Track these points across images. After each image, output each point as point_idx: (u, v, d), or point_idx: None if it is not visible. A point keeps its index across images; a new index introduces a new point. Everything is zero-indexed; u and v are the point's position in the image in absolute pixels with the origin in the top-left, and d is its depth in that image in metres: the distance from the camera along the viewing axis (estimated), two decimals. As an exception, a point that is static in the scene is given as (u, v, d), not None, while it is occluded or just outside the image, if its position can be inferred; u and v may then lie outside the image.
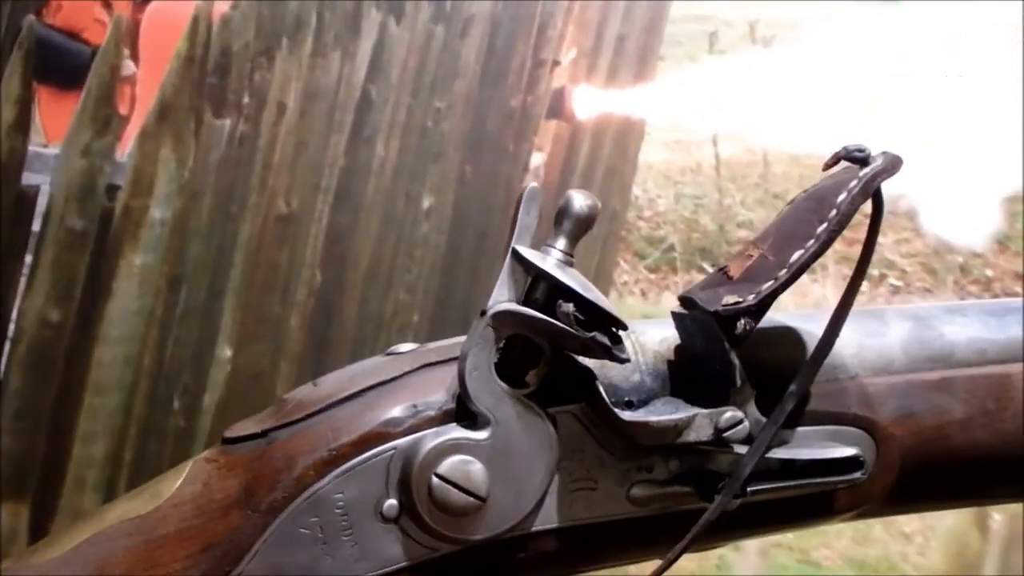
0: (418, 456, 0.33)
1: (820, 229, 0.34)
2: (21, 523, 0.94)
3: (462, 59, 1.05)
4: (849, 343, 0.37)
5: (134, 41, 0.98)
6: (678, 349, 0.36)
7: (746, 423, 0.34)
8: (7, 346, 0.94)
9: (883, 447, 0.37)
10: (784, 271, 0.34)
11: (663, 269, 1.06)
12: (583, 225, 0.34)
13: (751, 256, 0.35)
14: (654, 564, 0.36)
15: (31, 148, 0.94)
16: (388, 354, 0.37)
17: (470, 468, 0.33)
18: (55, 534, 0.35)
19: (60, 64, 0.96)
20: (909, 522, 0.98)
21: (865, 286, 0.36)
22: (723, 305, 0.34)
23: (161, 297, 0.97)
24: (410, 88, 1.04)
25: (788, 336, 0.37)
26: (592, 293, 0.33)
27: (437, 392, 0.34)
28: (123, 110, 0.97)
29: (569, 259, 0.34)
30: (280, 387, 1.01)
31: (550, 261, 0.34)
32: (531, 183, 0.35)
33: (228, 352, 1.00)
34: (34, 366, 0.94)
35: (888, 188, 0.35)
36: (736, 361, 0.34)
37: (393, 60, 1.03)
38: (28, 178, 0.95)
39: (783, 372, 0.35)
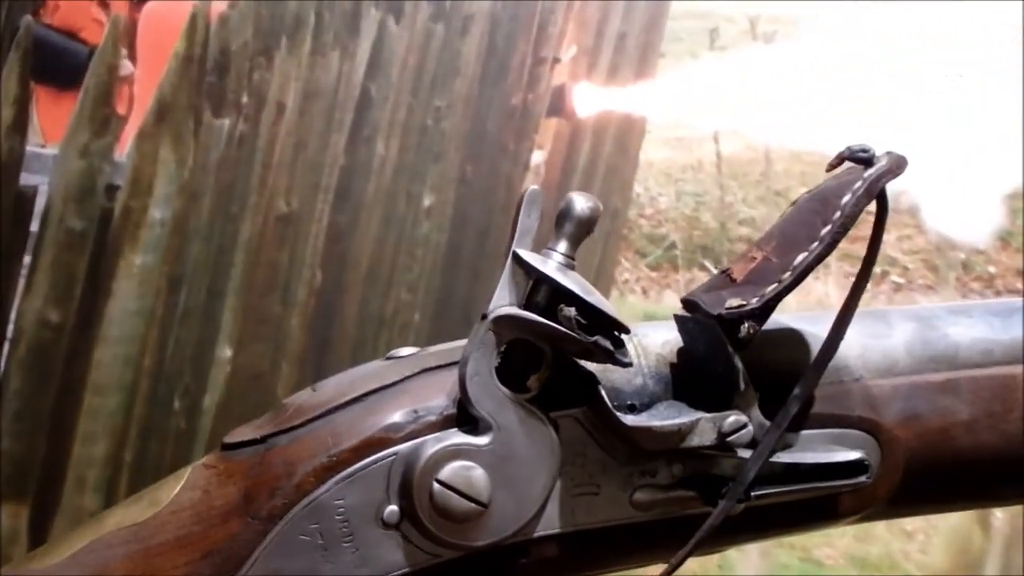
0: (419, 462, 0.33)
1: (824, 231, 0.33)
2: (21, 523, 0.94)
3: (462, 57, 1.04)
4: (853, 345, 0.37)
5: (132, 41, 0.98)
6: (681, 352, 0.36)
7: (750, 427, 0.34)
8: (6, 347, 0.93)
9: (887, 450, 0.37)
10: (788, 274, 0.33)
11: (664, 267, 1.06)
12: (584, 228, 0.34)
13: (754, 258, 0.35)
14: (657, 568, 0.36)
15: (29, 148, 0.94)
16: (388, 358, 0.37)
17: (471, 474, 0.33)
18: (54, 541, 0.35)
19: (58, 64, 0.96)
20: (911, 520, 0.97)
21: (860, 268, 0.36)
22: (726, 308, 0.33)
23: (161, 297, 0.97)
24: (410, 87, 1.03)
25: (792, 338, 0.37)
26: (594, 296, 0.33)
27: (438, 397, 0.34)
28: (121, 110, 0.97)
29: (570, 262, 0.34)
30: (281, 387, 1.01)
31: (551, 264, 0.34)
32: (532, 186, 0.34)
33: (228, 352, 0.99)
34: (34, 367, 0.94)
35: (890, 185, 0.34)
36: (740, 365, 0.33)
37: (393, 59, 1.03)
38: (26, 179, 0.94)
39: (787, 375, 0.35)
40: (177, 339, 0.98)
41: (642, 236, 1.06)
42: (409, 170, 1.03)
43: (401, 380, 0.35)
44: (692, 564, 0.35)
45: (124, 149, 0.97)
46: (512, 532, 0.34)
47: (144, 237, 0.97)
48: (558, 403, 0.34)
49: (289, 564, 0.33)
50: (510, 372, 0.34)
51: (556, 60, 1.06)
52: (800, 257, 0.33)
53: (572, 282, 0.33)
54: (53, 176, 0.95)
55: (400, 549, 0.33)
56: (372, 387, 0.35)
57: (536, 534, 0.34)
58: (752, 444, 0.34)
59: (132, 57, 0.98)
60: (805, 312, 0.38)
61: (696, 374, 0.35)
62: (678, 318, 0.36)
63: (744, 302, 0.33)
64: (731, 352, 0.33)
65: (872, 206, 0.34)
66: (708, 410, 0.34)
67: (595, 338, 0.33)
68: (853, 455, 0.36)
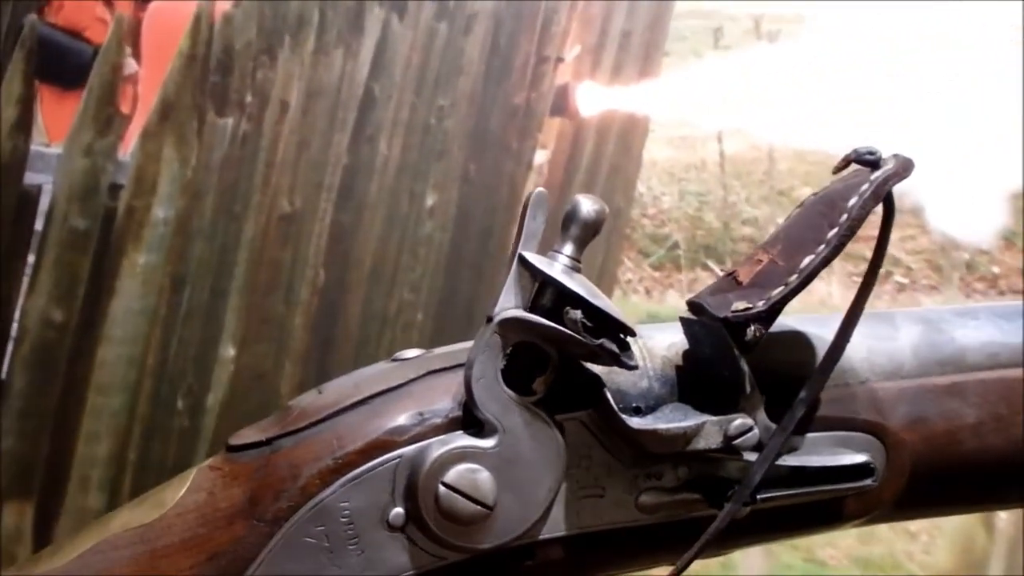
0: (424, 464, 0.33)
1: (831, 234, 0.33)
2: (25, 522, 0.94)
3: (465, 56, 1.04)
4: (859, 347, 0.37)
5: (136, 40, 0.98)
6: (686, 354, 0.36)
7: (756, 430, 0.34)
8: (10, 346, 0.94)
9: (893, 453, 0.37)
10: (794, 277, 0.33)
11: (667, 267, 1.06)
12: (590, 230, 0.34)
13: (760, 261, 0.35)
14: (663, 570, 0.35)
15: (33, 148, 0.94)
16: (393, 360, 0.37)
17: (477, 476, 0.33)
18: (59, 542, 0.35)
19: (62, 63, 0.96)
20: (915, 521, 0.97)
21: (866, 271, 0.36)
22: (733, 311, 0.33)
23: (164, 297, 0.97)
24: (413, 86, 1.03)
25: (797, 341, 0.37)
26: (600, 299, 0.33)
27: (443, 399, 0.34)
28: (125, 109, 0.97)
29: (576, 265, 0.34)
30: (284, 386, 1.01)
31: (557, 267, 0.33)
32: (538, 188, 0.34)
33: (231, 351, 0.99)
34: (37, 366, 0.94)
35: (895, 186, 0.34)
36: (746, 368, 0.33)
37: (396, 58, 1.03)
38: (30, 178, 0.94)
39: (793, 377, 0.35)
40: (180, 338, 0.98)
41: (645, 236, 1.06)
42: (412, 169, 1.03)
43: (406, 383, 0.35)
44: (695, 564, 0.35)
45: (128, 148, 0.97)
46: (517, 535, 0.34)
47: (147, 236, 0.97)
48: (563, 406, 0.34)
49: (295, 566, 0.33)
50: (516, 375, 0.34)
51: (560, 59, 1.06)
52: (806, 260, 0.33)
53: (578, 285, 0.33)
54: (57, 175, 0.95)
55: (405, 551, 0.33)
56: (377, 389, 0.35)
57: (541, 536, 0.34)
58: (758, 447, 0.34)
59: (136, 56, 0.98)
60: (810, 314, 0.38)
61: (702, 377, 0.35)
62: (684, 320, 0.36)
63: (750, 305, 0.33)
64: (737, 355, 0.33)
65: (879, 209, 0.34)
66: (714, 413, 0.34)
67: (601, 341, 0.33)
68: (859, 458, 0.36)
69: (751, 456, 0.34)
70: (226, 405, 0.99)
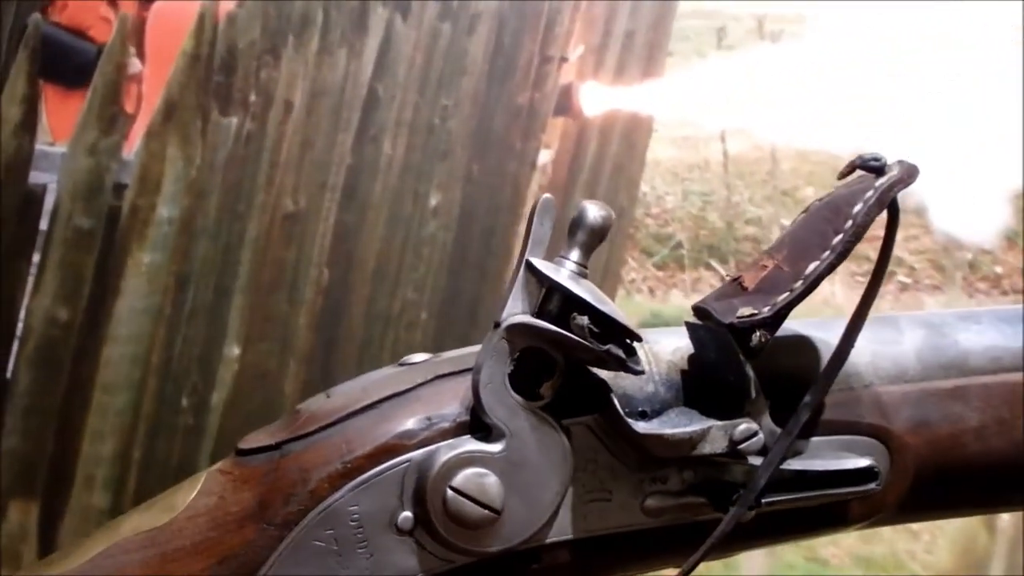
0: (433, 469, 0.33)
1: (836, 240, 0.34)
2: (30, 521, 0.95)
3: (469, 56, 1.04)
4: (863, 351, 0.37)
5: (140, 39, 0.98)
6: (692, 359, 0.36)
7: (761, 435, 0.34)
8: (15, 345, 0.94)
9: (897, 456, 0.37)
10: (800, 283, 0.33)
11: (671, 267, 1.06)
12: (597, 236, 0.34)
13: (766, 266, 0.35)
14: (668, 573, 0.36)
15: (38, 147, 0.95)
16: (401, 364, 0.37)
17: (485, 480, 0.33)
18: (70, 546, 0.35)
19: (66, 62, 0.96)
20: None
21: (871, 277, 0.36)
22: (738, 317, 0.33)
23: (169, 296, 0.97)
24: (417, 86, 1.03)
25: (802, 345, 0.37)
26: (606, 305, 0.33)
27: (451, 404, 0.34)
28: (129, 108, 0.97)
29: (583, 270, 0.34)
30: (288, 385, 1.01)
31: (564, 273, 0.34)
32: (545, 194, 0.35)
33: (236, 350, 1.00)
34: (42, 365, 0.95)
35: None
36: (751, 373, 0.34)
37: (400, 58, 1.03)
38: (35, 177, 0.95)
39: (797, 382, 0.35)
40: (185, 337, 0.98)
41: (648, 235, 1.06)
42: (416, 169, 1.04)
43: (414, 387, 0.35)
44: (699, 565, 0.35)
45: (132, 147, 0.97)
46: (525, 538, 0.34)
47: (152, 235, 0.97)
48: (570, 410, 0.34)
49: (304, 570, 0.33)
50: (523, 380, 0.34)
51: (563, 59, 1.06)
52: (812, 266, 0.34)
53: (585, 291, 0.33)
54: (61, 174, 0.95)
55: (414, 555, 0.33)
56: (386, 394, 0.35)
57: (548, 540, 0.34)
58: (763, 451, 0.34)
59: (140, 56, 0.98)
60: (813, 313, 0.38)
61: (707, 381, 0.35)
62: (689, 325, 0.36)
63: (756, 311, 0.33)
64: (743, 360, 0.34)
65: (883, 215, 0.34)
66: (719, 417, 0.34)
67: (607, 347, 0.33)
68: (863, 462, 0.36)
69: (756, 460, 0.34)
70: (230, 404, 1.00)
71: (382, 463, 0.33)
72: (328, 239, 1.02)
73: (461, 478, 0.33)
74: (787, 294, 0.33)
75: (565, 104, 1.07)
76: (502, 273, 1.06)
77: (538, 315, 0.34)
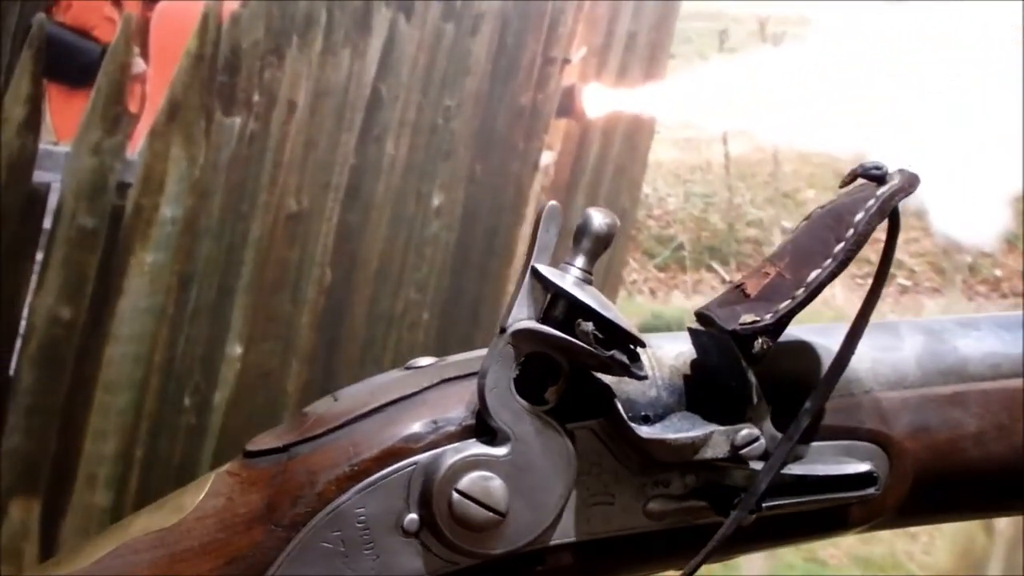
0: (439, 472, 0.34)
1: (837, 248, 0.34)
2: (32, 519, 0.95)
3: (472, 57, 1.05)
4: (864, 357, 0.37)
5: (144, 39, 0.98)
6: (694, 364, 0.37)
7: (762, 440, 0.34)
8: (18, 343, 0.94)
9: (896, 461, 0.37)
10: (801, 290, 0.34)
11: (672, 268, 1.06)
12: (602, 243, 0.34)
13: (768, 274, 0.35)
14: (670, 574, 0.36)
15: (42, 146, 0.95)
16: (407, 368, 0.38)
17: (490, 484, 0.34)
18: (79, 546, 0.36)
19: (70, 62, 0.96)
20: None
21: (871, 284, 0.36)
22: (741, 324, 0.34)
23: (171, 295, 0.98)
24: (420, 86, 1.04)
25: (803, 351, 0.37)
26: (611, 312, 0.34)
27: (457, 408, 0.35)
28: (133, 108, 0.97)
29: (588, 277, 0.34)
30: (290, 384, 1.02)
31: (569, 279, 0.34)
32: (551, 202, 0.35)
33: (238, 350, 1.00)
34: (45, 363, 0.95)
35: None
36: (753, 379, 0.34)
37: (403, 58, 1.03)
38: (39, 176, 0.95)
39: (798, 387, 0.36)
40: (187, 337, 0.99)
41: (650, 237, 1.07)
42: (419, 169, 1.04)
43: (420, 391, 0.35)
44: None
45: (136, 147, 0.97)
46: (529, 540, 0.34)
47: (155, 235, 0.98)
48: (574, 415, 0.35)
49: (311, 571, 0.33)
50: (528, 384, 0.34)
51: (566, 60, 1.06)
52: (813, 274, 0.34)
53: (590, 297, 0.34)
54: (65, 174, 0.96)
55: (419, 557, 0.34)
56: (392, 397, 0.35)
57: (552, 542, 0.35)
58: (764, 456, 0.35)
59: (144, 56, 0.98)
60: (813, 315, 0.38)
61: (709, 386, 0.36)
62: (692, 331, 0.37)
63: (758, 318, 0.34)
64: (745, 367, 0.34)
65: (884, 223, 0.35)
66: (721, 422, 0.35)
67: (612, 352, 0.33)
68: (862, 467, 0.36)
69: (757, 465, 0.35)
70: (232, 403, 1.00)
71: (389, 466, 0.34)
72: (331, 239, 1.02)
73: (467, 481, 0.34)
74: (789, 301, 0.34)
75: (568, 105, 1.07)
76: (504, 273, 1.06)
77: (543, 321, 0.34)
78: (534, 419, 0.34)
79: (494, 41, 1.05)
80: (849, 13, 1.04)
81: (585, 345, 0.33)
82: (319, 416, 0.36)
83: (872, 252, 0.36)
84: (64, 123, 0.97)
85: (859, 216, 0.34)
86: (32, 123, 0.95)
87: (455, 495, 0.33)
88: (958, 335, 0.39)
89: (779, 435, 0.35)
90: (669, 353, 0.37)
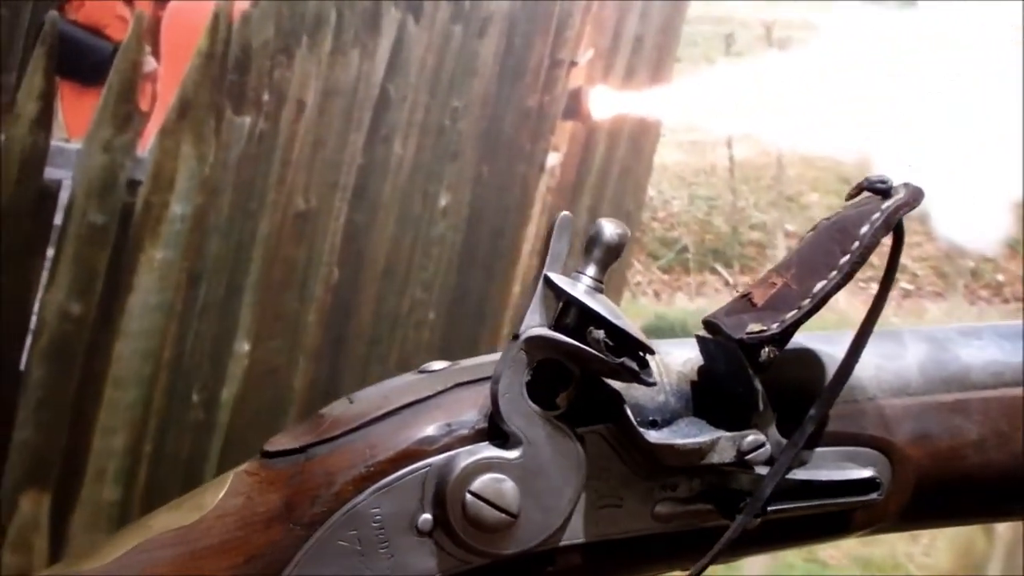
0: (452, 474, 0.34)
1: (843, 260, 0.35)
2: (42, 512, 0.96)
3: (480, 59, 1.05)
4: (867, 365, 0.38)
5: (155, 38, 0.99)
6: (701, 371, 0.37)
7: (768, 446, 0.35)
8: (29, 338, 0.95)
9: (899, 467, 0.38)
10: (807, 301, 0.35)
11: (676, 270, 1.07)
12: (613, 253, 0.35)
13: (774, 284, 0.36)
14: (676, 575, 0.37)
15: (53, 143, 0.96)
16: (420, 371, 0.38)
17: (502, 486, 0.35)
18: (101, 542, 0.37)
19: (82, 60, 0.97)
20: (917, 525, 0.99)
21: (873, 288, 0.37)
22: (748, 333, 0.35)
23: (180, 292, 0.99)
24: (428, 87, 1.04)
25: (809, 359, 0.38)
26: (621, 320, 0.34)
27: (470, 412, 0.36)
28: (144, 106, 0.98)
29: (599, 285, 0.35)
30: (297, 381, 1.03)
31: (580, 288, 0.35)
32: (563, 212, 0.36)
33: (246, 347, 1.01)
34: (55, 358, 0.96)
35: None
36: (759, 387, 0.35)
37: (411, 59, 1.04)
38: (50, 173, 0.96)
39: (803, 394, 0.37)
40: (196, 333, 0.99)
41: (654, 239, 1.08)
42: (426, 170, 1.05)
43: (434, 395, 0.36)
44: (705, 568, 0.36)
45: (146, 145, 0.98)
46: (539, 541, 0.35)
47: (164, 232, 0.98)
48: (584, 419, 0.36)
49: (328, 569, 0.34)
50: (539, 389, 0.35)
51: (573, 63, 1.07)
52: (819, 285, 0.35)
53: (601, 305, 0.35)
54: (76, 171, 0.96)
55: (433, 556, 0.35)
56: (407, 401, 0.36)
57: (562, 543, 0.36)
58: (769, 461, 0.35)
59: (155, 54, 0.99)
60: (818, 320, 0.39)
61: (716, 393, 0.37)
62: (700, 339, 0.38)
63: (765, 327, 0.35)
64: (752, 375, 0.35)
65: (889, 236, 0.36)
66: (727, 428, 0.36)
67: (622, 360, 0.34)
68: (865, 473, 0.37)
69: (763, 470, 0.36)
70: (240, 399, 1.01)
71: (404, 467, 0.35)
72: (338, 238, 1.03)
73: (479, 483, 0.34)
74: (795, 312, 0.35)
75: (574, 107, 1.08)
76: (510, 273, 1.07)
77: (555, 328, 0.35)
78: (545, 423, 0.35)
79: (502, 43, 1.06)
80: (855, 19, 1.04)
81: (596, 352, 0.34)
82: (335, 418, 0.36)
83: (876, 257, 0.36)
84: (76, 120, 0.98)
85: (864, 229, 0.35)
86: (44, 120, 0.95)
87: (468, 496, 0.34)
88: (960, 344, 0.40)
89: (784, 441, 0.36)
90: (677, 360, 0.38)
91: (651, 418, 0.36)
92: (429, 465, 0.35)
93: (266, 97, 1.00)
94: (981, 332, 0.41)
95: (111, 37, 0.98)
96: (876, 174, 0.36)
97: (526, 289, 1.06)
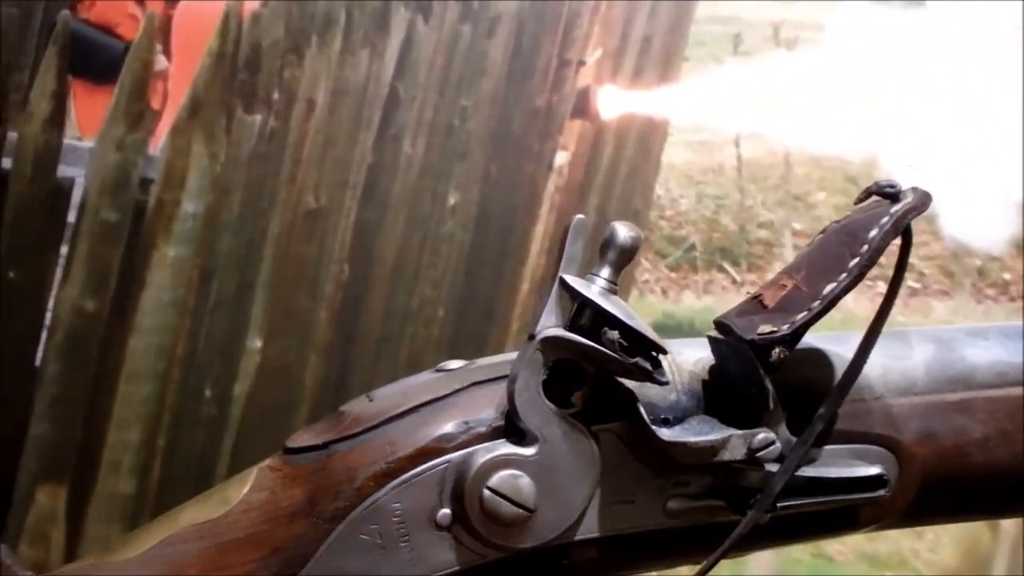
0: (470, 470, 0.35)
1: (852, 263, 0.36)
2: (59, 505, 0.97)
3: (489, 58, 1.06)
4: (875, 365, 0.39)
5: (166, 37, 1.00)
6: (713, 370, 0.38)
7: (778, 444, 0.36)
8: (44, 335, 0.96)
9: (905, 465, 0.39)
10: (817, 303, 0.35)
11: (684, 268, 1.08)
12: (627, 255, 0.36)
13: (785, 286, 0.37)
14: (687, 570, 0.38)
15: (66, 141, 0.96)
16: (438, 370, 0.39)
17: (519, 482, 0.35)
18: (129, 536, 0.38)
19: (94, 59, 0.98)
20: (922, 521, 0.99)
21: (881, 287, 0.38)
22: (759, 334, 0.35)
23: (193, 289, 1.00)
24: (437, 86, 1.05)
25: (818, 359, 0.39)
26: (635, 321, 0.35)
27: (487, 410, 0.36)
28: (156, 105, 0.99)
29: (613, 287, 0.36)
30: (308, 378, 1.04)
31: (595, 289, 0.36)
32: (578, 215, 0.37)
33: (258, 343, 1.02)
34: (70, 354, 0.97)
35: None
36: (770, 387, 0.36)
37: (421, 58, 1.04)
38: (63, 171, 0.97)
39: (812, 393, 0.37)
40: (208, 330, 1.00)
41: (662, 237, 1.08)
42: (435, 169, 1.06)
43: (452, 393, 0.37)
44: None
45: (158, 143, 0.99)
46: (555, 536, 0.36)
47: (177, 230, 0.99)
48: (599, 418, 0.36)
49: (350, 561, 0.35)
50: (555, 388, 0.36)
51: (581, 62, 1.08)
52: (829, 287, 0.36)
53: (615, 307, 0.35)
54: (89, 169, 0.97)
55: (452, 549, 0.36)
56: (425, 399, 0.37)
57: (576, 538, 0.37)
58: (779, 459, 0.36)
59: (167, 53, 1.00)
60: (829, 331, 0.40)
61: (727, 392, 0.37)
62: (711, 339, 0.39)
63: (775, 328, 0.35)
64: (762, 375, 0.36)
65: (898, 240, 0.36)
66: (738, 426, 0.36)
67: (636, 360, 0.35)
68: (873, 470, 0.38)
69: (773, 467, 0.36)
70: (252, 395, 1.02)
71: (423, 464, 0.36)
72: (348, 236, 1.04)
73: (497, 479, 0.35)
74: (805, 313, 0.35)
75: (582, 107, 1.08)
76: (518, 271, 1.08)
77: (570, 329, 0.36)
78: (561, 422, 0.36)
79: (510, 43, 1.06)
80: (862, 19, 1.05)
81: (610, 352, 0.35)
82: (356, 416, 0.37)
83: (883, 257, 0.37)
84: (88, 119, 0.98)
85: (873, 232, 0.36)
86: (57, 119, 0.96)
87: (486, 492, 0.35)
88: (966, 344, 0.41)
89: (794, 439, 0.37)
90: (689, 359, 0.38)
91: (663, 416, 0.37)
92: (448, 462, 0.35)
93: (276, 96, 1.01)
94: (987, 332, 0.41)
95: (123, 36, 0.99)
96: (885, 179, 0.37)
97: (534, 287, 1.07)
